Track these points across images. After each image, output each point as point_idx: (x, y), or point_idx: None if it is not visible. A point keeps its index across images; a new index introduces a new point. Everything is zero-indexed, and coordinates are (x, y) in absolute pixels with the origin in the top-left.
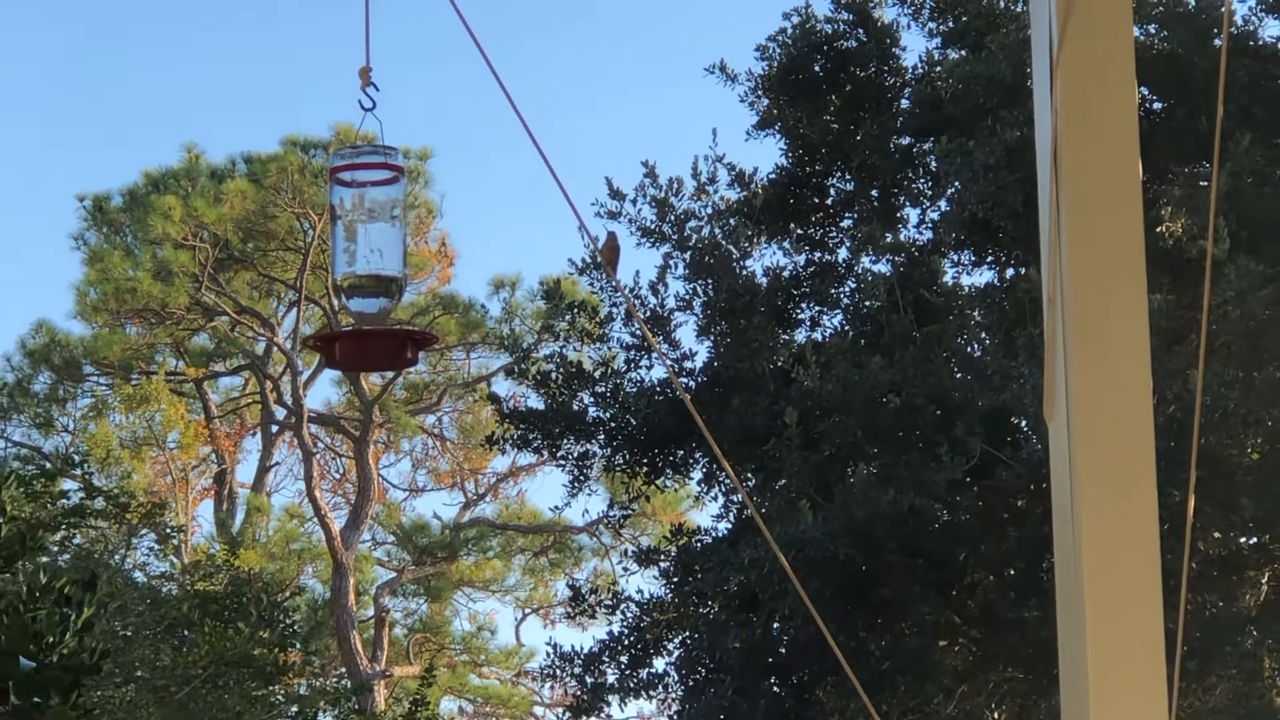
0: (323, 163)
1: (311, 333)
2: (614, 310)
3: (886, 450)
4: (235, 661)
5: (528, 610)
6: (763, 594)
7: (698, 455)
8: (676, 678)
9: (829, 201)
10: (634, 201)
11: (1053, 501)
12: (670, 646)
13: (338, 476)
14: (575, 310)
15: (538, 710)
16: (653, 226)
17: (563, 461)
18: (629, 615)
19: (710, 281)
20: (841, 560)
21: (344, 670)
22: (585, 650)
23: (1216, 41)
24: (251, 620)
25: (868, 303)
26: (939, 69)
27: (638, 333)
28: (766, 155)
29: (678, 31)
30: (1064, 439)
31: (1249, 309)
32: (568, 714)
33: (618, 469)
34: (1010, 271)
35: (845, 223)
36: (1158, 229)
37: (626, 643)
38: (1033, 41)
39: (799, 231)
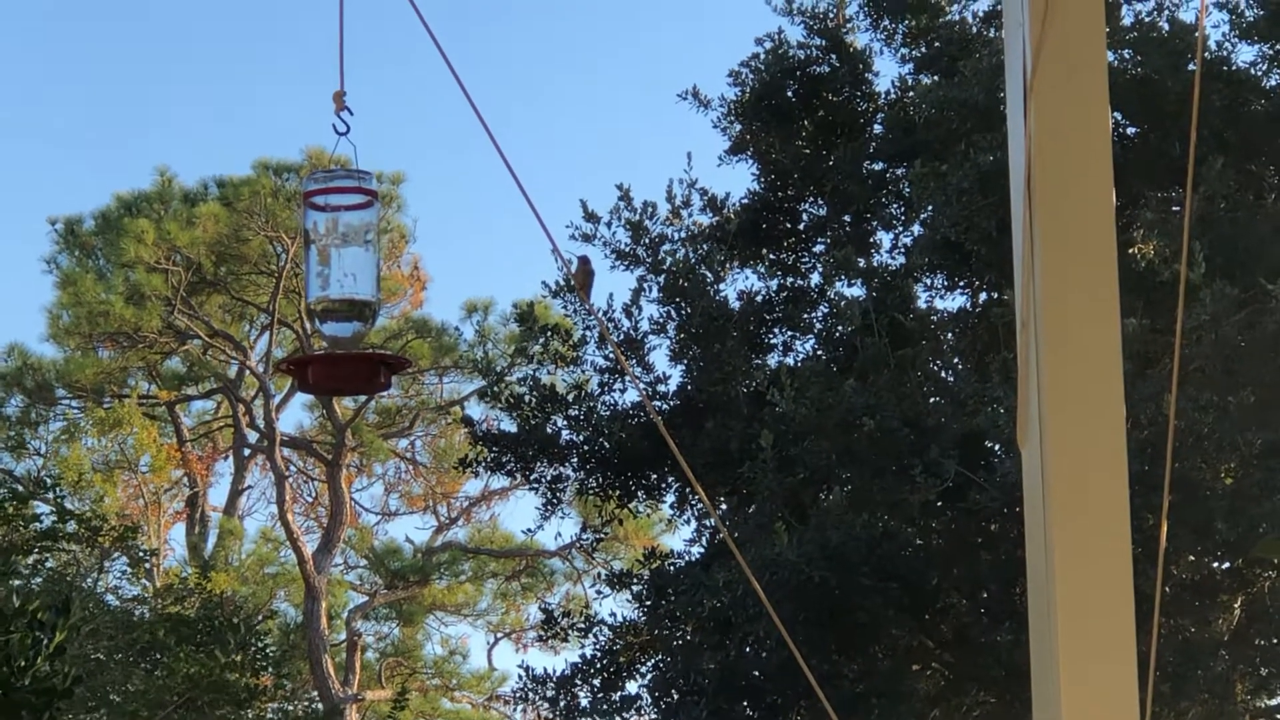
0: (295, 186)
1: (284, 356)
2: (587, 333)
3: (860, 473)
4: (208, 686)
5: (500, 634)
6: (736, 617)
7: (671, 479)
8: (649, 700)
9: (801, 226)
10: (609, 224)
11: (1026, 525)
12: (643, 669)
13: (310, 500)
14: (549, 333)
15: None
16: (627, 249)
17: (536, 484)
18: (602, 638)
19: (684, 305)
20: (815, 583)
21: (316, 694)
22: (558, 673)
23: (1190, 66)
24: (230, 647)
25: (840, 328)
26: (912, 94)
27: (611, 356)
28: (739, 180)
29: (652, 57)
30: (1037, 463)
31: (1223, 333)
32: None
33: (591, 492)
34: (983, 296)
35: (818, 248)
36: (1131, 252)
37: (599, 665)
38: (1006, 66)
39: (772, 256)
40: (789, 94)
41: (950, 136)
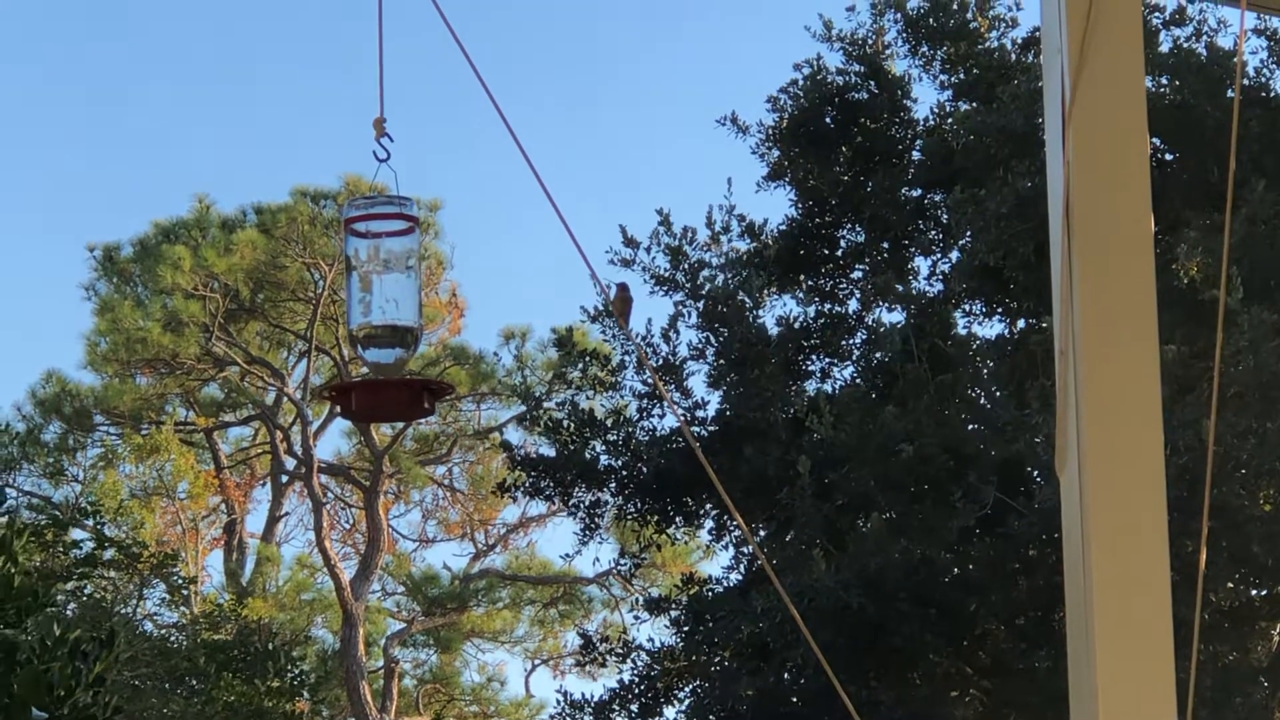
0: (333, 213)
1: (325, 383)
2: (626, 359)
3: (899, 500)
4: (247, 714)
5: (537, 661)
6: (774, 643)
7: (709, 505)
8: None
9: (840, 253)
10: (648, 249)
11: (1064, 552)
12: (681, 695)
13: (348, 527)
14: (587, 359)
15: None
16: (666, 275)
17: (574, 510)
18: (640, 664)
19: (722, 331)
20: (853, 610)
21: None
22: (596, 699)
23: (1229, 92)
24: (268, 674)
25: (879, 354)
26: (950, 120)
27: (649, 381)
28: (777, 206)
29: (691, 82)
30: (1075, 490)
31: (1261, 359)
32: None
33: (629, 518)
34: (1022, 322)
35: (856, 274)
36: (1174, 268)
37: (637, 691)
38: (1045, 93)
39: (810, 282)
40: (827, 120)
41: (988, 162)
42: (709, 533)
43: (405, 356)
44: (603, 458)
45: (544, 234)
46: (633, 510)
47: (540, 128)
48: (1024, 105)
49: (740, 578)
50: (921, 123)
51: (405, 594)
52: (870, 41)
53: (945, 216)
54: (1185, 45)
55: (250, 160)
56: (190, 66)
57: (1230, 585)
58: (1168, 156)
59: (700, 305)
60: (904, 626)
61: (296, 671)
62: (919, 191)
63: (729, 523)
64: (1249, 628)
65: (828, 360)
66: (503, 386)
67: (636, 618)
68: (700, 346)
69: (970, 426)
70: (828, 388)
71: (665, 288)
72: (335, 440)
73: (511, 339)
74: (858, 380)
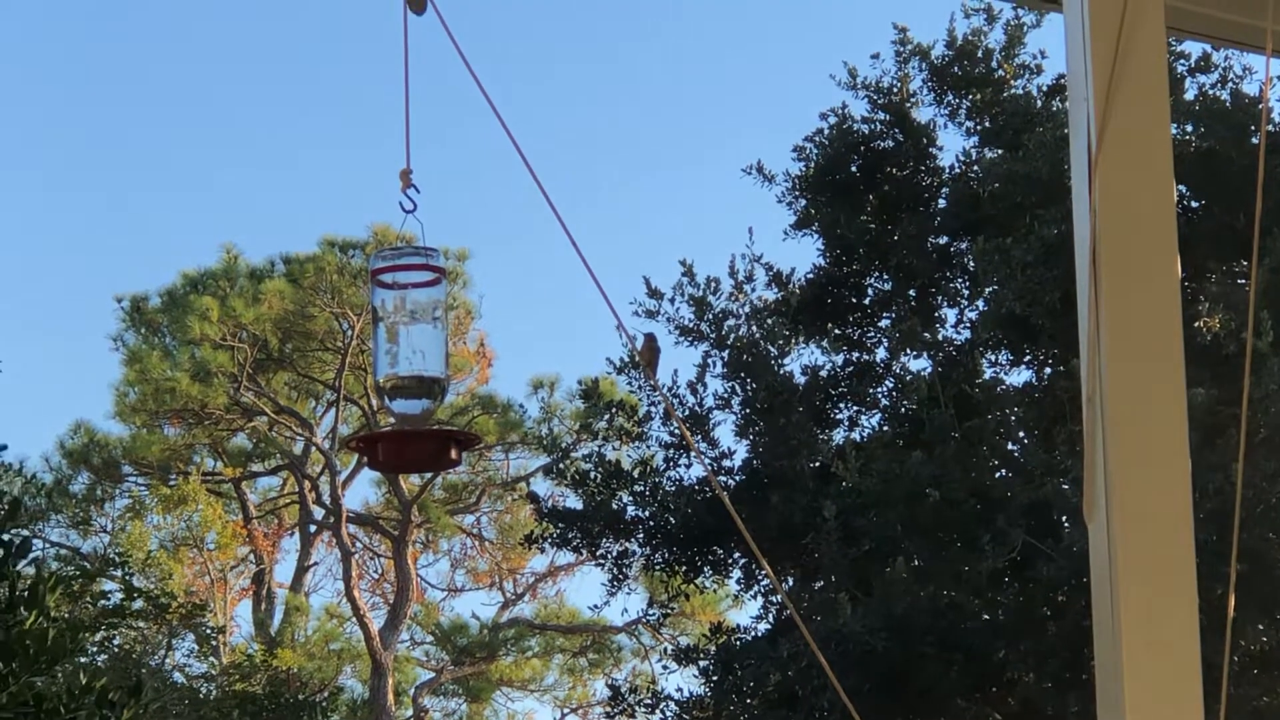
0: (361, 263)
1: (352, 433)
2: (652, 409)
3: (926, 545)
4: None
5: (567, 710)
6: (802, 690)
7: (737, 554)
8: None
9: (866, 301)
10: (672, 300)
11: (1093, 597)
12: None
13: (376, 576)
14: (614, 410)
15: None
16: (691, 325)
17: (602, 560)
18: (669, 714)
19: (749, 380)
20: (879, 654)
21: None
22: None
23: (1254, 139)
24: None
25: (906, 403)
26: (976, 168)
27: (676, 432)
28: (804, 255)
29: (716, 131)
30: (1104, 536)
31: None
32: None
33: (657, 568)
34: (1049, 370)
35: (883, 323)
36: (1197, 326)
37: None
38: (1071, 141)
39: (837, 331)
40: (853, 168)
41: (1014, 210)
42: (737, 582)
43: (432, 407)
44: (630, 508)
45: (574, 283)
46: (660, 561)
47: (568, 181)
48: (1050, 153)
49: (769, 626)
50: (947, 170)
51: (434, 643)
52: (895, 89)
53: (972, 264)
54: (1210, 92)
55: (279, 210)
56: (218, 117)
57: (1260, 629)
58: (1193, 204)
59: (726, 355)
60: (931, 671)
61: None
62: (945, 239)
63: (757, 571)
64: (1278, 672)
65: (855, 408)
66: (530, 436)
67: (665, 667)
68: (726, 396)
69: (998, 473)
70: (856, 435)
71: (690, 338)
72: (364, 489)
73: (539, 388)
74: (885, 428)
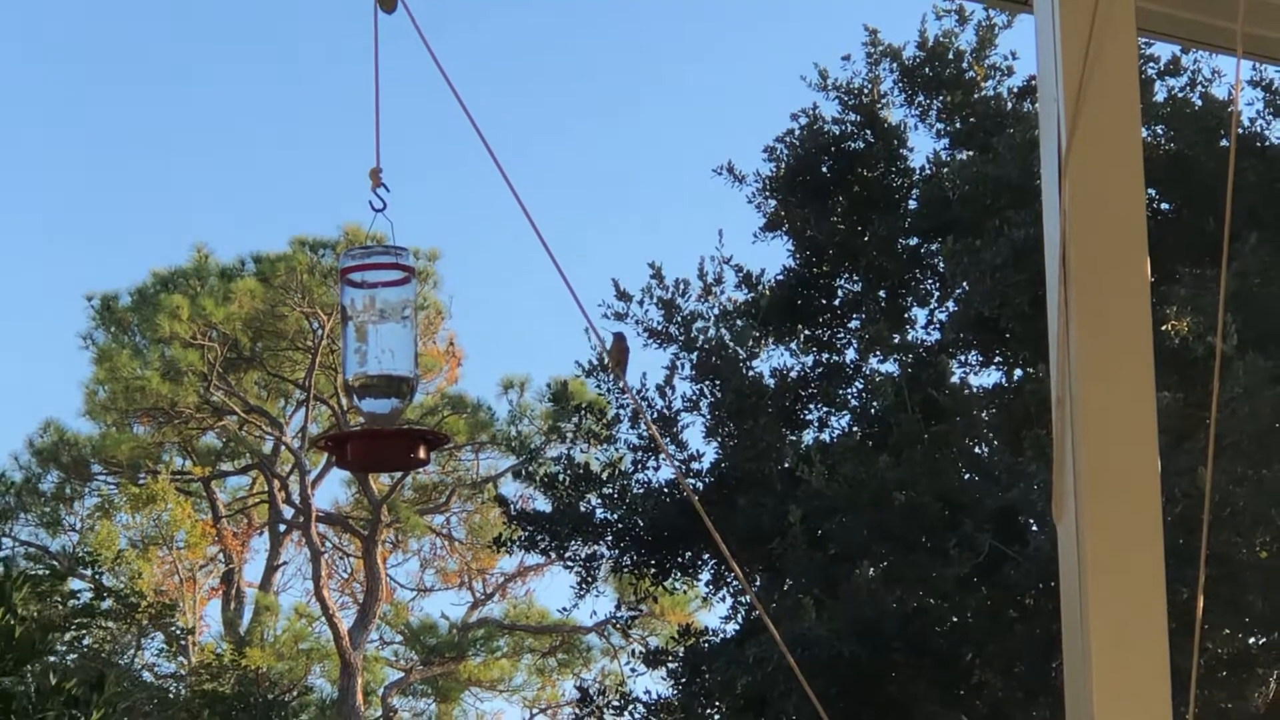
0: (331, 263)
1: (321, 432)
2: (621, 411)
3: (893, 549)
4: None
5: (535, 710)
6: (770, 694)
7: (706, 556)
8: None
9: (836, 302)
10: (641, 303)
11: (1061, 600)
12: None
13: (346, 576)
14: (583, 412)
15: None
16: (660, 328)
17: (570, 563)
18: (636, 716)
19: (717, 382)
20: (847, 659)
21: None
22: None
23: (1224, 142)
24: None
25: (875, 404)
26: (946, 170)
27: (645, 434)
28: (774, 256)
29: (685, 132)
30: (1073, 538)
31: (1257, 407)
32: None
33: (625, 570)
34: (1018, 372)
35: (853, 324)
36: (1164, 329)
37: None
38: (1041, 143)
39: (806, 332)
40: (824, 170)
41: (984, 212)
42: (706, 584)
43: (401, 406)
44: (598, 511)
45: (544, 283)
46: (629, 563)
47: (538, 182)
48: (1020, 155)
49: (738, 628)
50: (918, 171)
51: (403, 643)
52: (866, 90)
53: (942, 265)
54: (1180, 95)
55: (249, 209)
56: (189, 115)
57: (1227, 633)
58: (1163, 206)
59: (694, 357)
60: (899, 676)
61: None
62: (916, 240)
63: (726, 574)
64: (1246, 675)
65: (825, 409)
66: (500, 437)
67: (634, 670)
68: (695, 398)
69: (965, 476)
70: (825, 437)
71: (659, 340)
72: (333, 489)
73: (509, 389)
74: (854, 429)
